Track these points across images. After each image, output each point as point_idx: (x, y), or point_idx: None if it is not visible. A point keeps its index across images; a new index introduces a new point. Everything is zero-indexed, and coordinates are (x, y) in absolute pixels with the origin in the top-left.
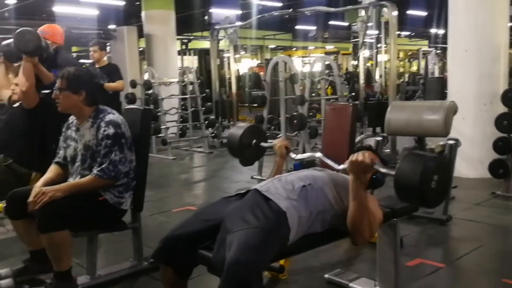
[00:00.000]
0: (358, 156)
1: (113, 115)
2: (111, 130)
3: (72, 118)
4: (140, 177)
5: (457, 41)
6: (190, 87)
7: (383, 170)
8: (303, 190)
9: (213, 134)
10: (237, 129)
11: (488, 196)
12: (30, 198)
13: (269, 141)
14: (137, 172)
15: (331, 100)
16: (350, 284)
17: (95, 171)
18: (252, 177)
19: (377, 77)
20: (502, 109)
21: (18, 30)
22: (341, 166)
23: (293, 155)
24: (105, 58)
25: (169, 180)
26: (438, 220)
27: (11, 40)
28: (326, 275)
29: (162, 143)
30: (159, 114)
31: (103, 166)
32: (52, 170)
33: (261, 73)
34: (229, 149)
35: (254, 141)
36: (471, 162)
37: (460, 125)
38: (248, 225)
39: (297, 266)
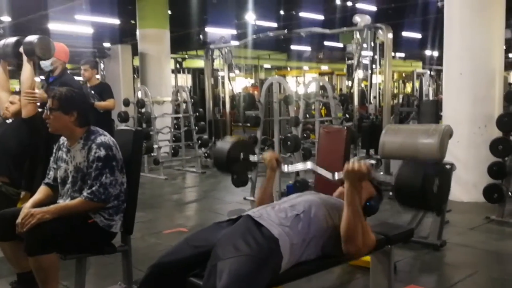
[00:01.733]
0: (355, 164)
1: (104, 137)
2: (102, 152)
3: (63, 139)
4: (131, 199)
5: (452, 65)
6: (183, 105)
7: (380, 178)
8: (296, 218)
9: (206, 154)
10: (224, 143)
11: (483, 221)
12: (19, 220)
13: (260, 154)
14: (127, 194)
15: (325, 123)
16: None
17: (85, 193)
18: (244, 198)
19: (371, 98)
20: (497, 132)
21: (41, 36)
22: (336, 176)
23: (284, 168)
24: (97, 77)
25: (161, 200)
26: (432, 245)
27: (8, 40)
28: None
29: (154, 162)
30: (151, 133)
31: (93, 188)
32: (41, 191)
33: (255, 92)
34: (216, 164)
35: (241, 155)
36: (465, 185)
37: (455, 148)
38: (240, 253)
39: None
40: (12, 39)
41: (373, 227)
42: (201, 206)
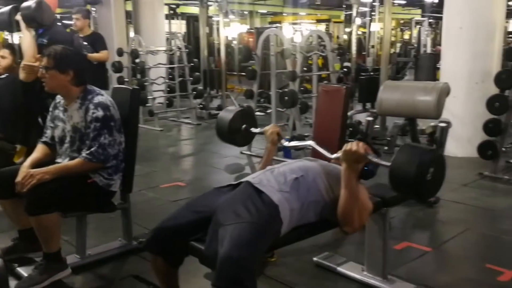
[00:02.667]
0: (352, 145)
1: (101, 97)
2: (100, 113)
3: (59, 98)
4: (129, 159)
5: (453, 18)
6: (177, 54)
7: (376, 161)
8: (295, 182)
9: (201, 105)
10: (227, 112)
11: (476, 177)
12: (18, 179)
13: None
14: (126, 154)
15: (324, 82)
16: (338, 268)
17: (84, 154)
18: (241, 152)
19: (369, 48)
20: (494, 89)
21: (39, 1)
22: (334, 155)
23: (285, 142)
24: (89, 26)
25: (157, 153)
26: (426, 202)
27: (3, 10)
28: (314, 258)
29: (149, 113)
30: (146, 83)
31: (92, 149)
32: (39, 150)
33: (251, 40)
34: (218, 133)
35: (244, 126)
36: (460, 141)
37: (451, 104)
38: (240, 219)
39: (285, 247)
40: (6, 8)
41: (370, 188)
42: (197, 160)
